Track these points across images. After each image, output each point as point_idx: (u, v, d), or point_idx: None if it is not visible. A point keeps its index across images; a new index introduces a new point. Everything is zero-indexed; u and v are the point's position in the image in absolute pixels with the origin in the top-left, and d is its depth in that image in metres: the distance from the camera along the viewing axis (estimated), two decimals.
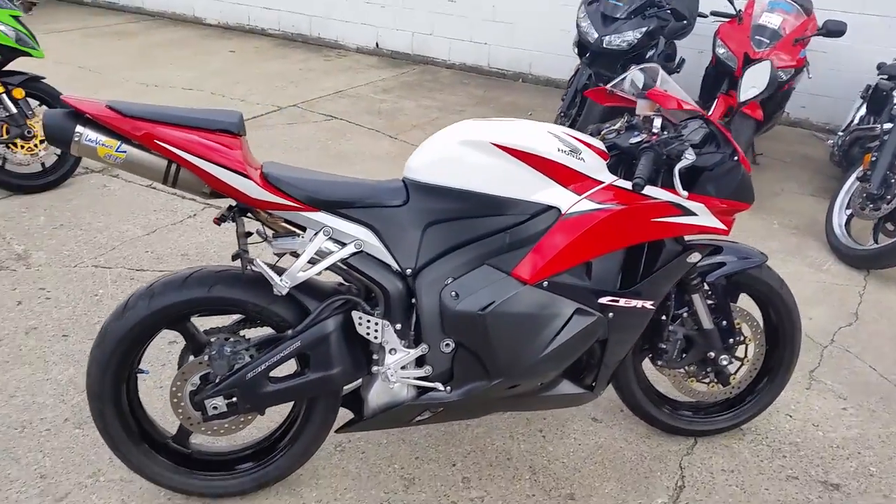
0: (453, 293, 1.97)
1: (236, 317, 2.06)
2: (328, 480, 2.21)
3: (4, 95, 3.89)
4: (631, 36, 4.93)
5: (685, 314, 2.30)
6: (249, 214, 1.95)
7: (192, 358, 1.99)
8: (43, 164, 4.14)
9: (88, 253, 3.47)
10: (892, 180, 3.75)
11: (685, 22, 5.24)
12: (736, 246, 2.35)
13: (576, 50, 5.34)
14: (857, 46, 5.68)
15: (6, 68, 3.97)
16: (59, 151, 4.09)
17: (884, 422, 2.63)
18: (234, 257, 1.94)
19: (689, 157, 1.98)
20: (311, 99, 6.26)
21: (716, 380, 2.39)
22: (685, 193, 1.97)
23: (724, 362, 2.32)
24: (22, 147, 3.99)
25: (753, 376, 2.47)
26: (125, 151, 1.77)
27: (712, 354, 2.31)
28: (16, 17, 3.96)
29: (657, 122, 2.07)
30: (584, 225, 1.98)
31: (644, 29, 4.92)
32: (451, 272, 1.98)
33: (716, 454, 2.43)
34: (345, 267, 1.94)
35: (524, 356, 2.01)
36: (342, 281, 2.05)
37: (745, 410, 2.48)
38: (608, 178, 2.03)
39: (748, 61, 4.40)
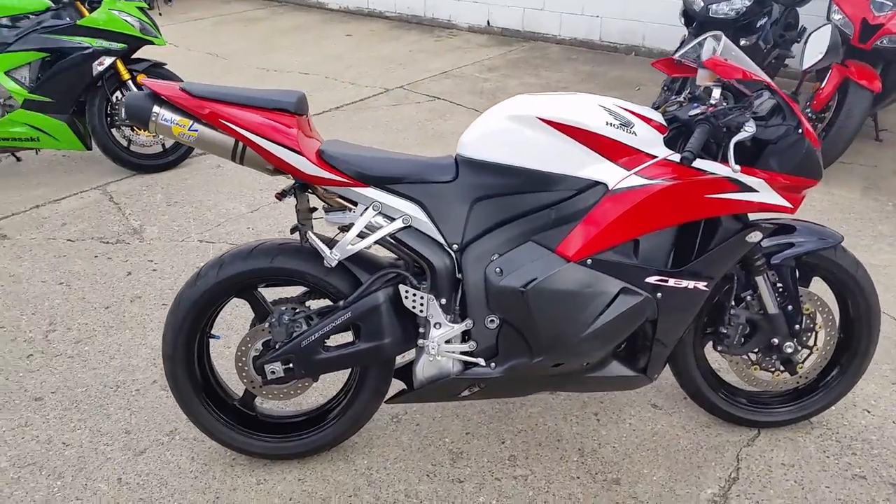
0: (498, 269, 2.00)
1: (303, 289, 2.19)
2: (380, 449, 2.33)
3: (130, 81, 4.25)
4: (739, 3, 4.70)
5: (749, 297, 2.21)
6: (310, 191, 2.07)
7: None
8: (163, 146, 4.52)
9: (196, 229, 3.77)
10: None
11: None
12: (808, 226, 2.22)
13: (682, 20, 5.15)
14: None
15: (133, 56, 4.34)
16: None
17: None
18: (293, 230, 2.07)
19: (749, 130, 1.89)
20: (418, 80, 6.39)
21: (782, 368, 2.28)
22: (737, 167, 1.88)
23: (790, 350, 2.22)
24: (144, 130, 4.35)
25: (824, 366, 2.33)
26: (197, 130, 1.93)
27: (777, 341, 2.21)
28: (141, 9, 4.32)
29: (716, 93, 1.99)
30: (630, 201, 1.95)
31: None
32: (496, 248, 2.02)
33: (778, 447, 2.33)
34: (393, 241, 2.02)
35: (567, 334, 2.02)
36: (397, 256, 2.13)
37: (813, 402, 2.35)
38: (662, 152, 1.97)
39: (867, 28, 4.07)
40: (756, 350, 2.27)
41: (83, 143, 4.26)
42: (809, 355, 2.29)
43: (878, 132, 4.91)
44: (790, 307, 2.20)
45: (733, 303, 2.22)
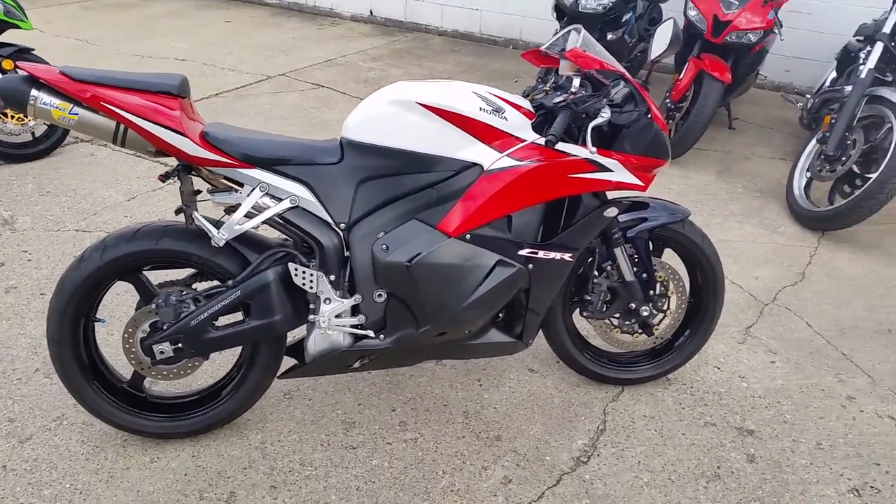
0: (384, 246, 2.12)
1: (190, 271, 2.23)
2: (274, 424, 2.40)
3: None
4: None
5: (609, 267, 2.44)
6: (194, 173, 2.11)
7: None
8: (33, 134, 4.33)
9: (71, 218, 3.66)
10: (849, 142, 3.83)
11: None
12: (660, 203, 2.47)
13: (554, 14, 5.42)
14: (843, 6, 5.68)
15: None
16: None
17: (807, 374, 2.77)
18: (178, 212, 2.11)
19: (604, 116, 2.10)
20: (301, 68, 6.38)
21: (640, 330, 2.53)
22: (594, 149, 2.08)
23: (645, 313, 2.47)
24: (12, 118, 4.16)
25: (677, 328, 2.61)
26: (77, 114, 1.92)
27: (634, 305, 2.46)
28: None
29: (576, 82, 2.19)
30: (502, 180, 2.11)
31: None
32: (382, 226, 2.13)
33: (640, 402, 2.58)
34: (281, 221, 2.10)
35: (449, 304, 2.17)
36: (285, 237, 2.21)
37: (668, 361, 2.63)
38: (531, 136, 2.15)
39: (718, 24, 4.47)
40: (617, 315, 2.51)
41: None
42: (663, 318, 2.55)
43: (731, 121, 5.38)
44: (645, 275, 2.45)
45: (596, 273, 2.45)
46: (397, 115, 2.09)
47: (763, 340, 2.96)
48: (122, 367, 2.33)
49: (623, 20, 5.19)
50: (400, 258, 2.11)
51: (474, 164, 2.13)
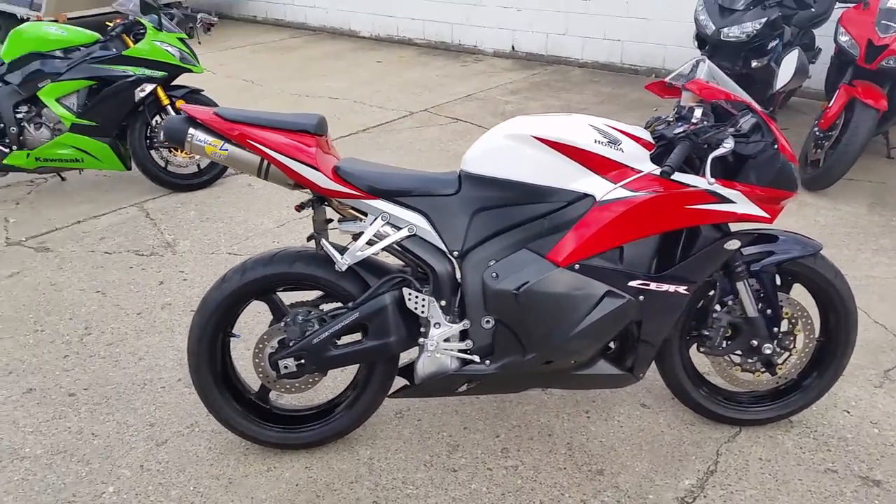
0: (494, 274, 2.18)
1: (319, 293, 2.39)
2: (383, 441, 2.50)
3: (169, 106, 4.56)
4: (750, 27, 4.83)
5: (731, 301, 2.34)
6: (326, 204, 2.28)
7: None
8: (199, 166, 4.81)
9: (226, 242, 4.03)
10: None
11: (812, 10, 5.03)
12: (790, 235, 2.35)
13: (695, 43, 5.30)
14: None
15: (173, 83, 4.65)
16: None
17: None
18: (309, 239, 2.29)
19: (727, 146, 2.05)
20: (442, 103, 6.63)
21: (762, 369, 2.40)
22: (712, 180, 2.03)
23: (769, 351, 2.34)
24: (181, 151, 4.66)
25: (803, 368, 2.44)
26: (227, 150, 2.16)
27: (756, 343, 2.34)
28: (181, 39, 4.63)
29: (697, 112, 2.15)
30: (614, 211, 2.12)
31: (764, 20, 4.80)
32: (493, 255, 2.20)
33: (757, 443, 2.44)
34: (399, 249, 2.22)
35: (556, 333, 2.19)
36: (405, 263, 2.32)
37: (792, 402, 2.47)
38: (648, 167, 2.14)
39: (872, 48, 4.18)
40: (738, 352, 2.40)
41: (124, 163, 4.58)
42: (789, 357, 2.41)
43: (889, 150, 4.98)
44: (769, 311, 2.33)
45: (716, 307, 2.36)
46: (513, 148, 2.15)
47: None
48: (252, 379, 2.53)
49: (769, 48, 4.96)
50: (509, 286, 2.16)
51: (587, 195, 2.14)
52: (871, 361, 2.85)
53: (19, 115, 4.33)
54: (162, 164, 4.67)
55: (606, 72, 7.59)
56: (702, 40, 5.20)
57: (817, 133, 4.41)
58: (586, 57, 7.78)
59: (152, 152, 4.62)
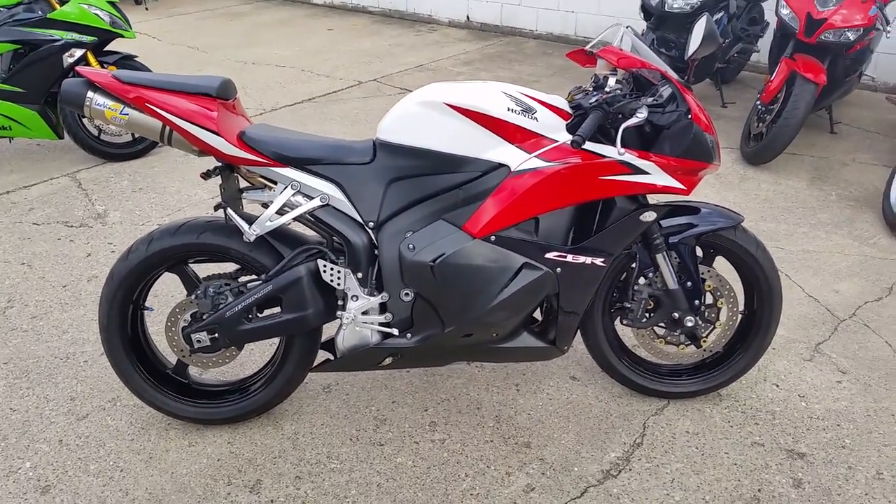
0: (410, 245, 2.13)
1: (236, 266, 2.32)
2: (308, 417, 2.46)
3: None
4: None
5: (651, 274, 2.33)
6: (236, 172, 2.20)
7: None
8: (133, 135, 4.65)
9: (157, 214, 3.91)
10: None
11: None
12: (712, 207, 2.34)
13: (641, 14, 5.27)
14: None
15: (105, 49, 4.47)
16: None
17: (876, 396, 2.55)
18: (216, 208, 2.20)
19: (640, 116, 2.00)
20: (392, 73, 6.52)
21: (686, 342, 2.41)
22: (622, 150, 1.99)
23: (691, 324, 2.34)
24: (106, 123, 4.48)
25: (728, 341, 2.46)
26: (127, 114, 2.06)
27: (678, 315, 2.34)
28: (111, 3, 4.44)
29: (611, 81, 2.12)
30: (528, 182, 2.07)
31: None
32: (410, 226, 2.15)
33: (685, 417, 2.46)
34: (313, 219, 2.15)
35: (473, 306, 2.15)
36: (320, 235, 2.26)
37: (718, 375, 2.48)
38: (563, 137, 2.09)
39: (811, 22, 4.19)
40: (661, 324, 2.40)
41: (55, 132, 4.40)
42: (713, 330, 2.41)
43: (832, 125, 5.04)
44: (690, 284, 2.33)
45: (638, 280, 2.35)
46: (426, 115, 2.09)
47: (832, 358, 2.75)
48: (170, 354, 2.46)
49: (716, 19, 4.96)
50: (425, 258, 2.11)
51: (501, 165, 2.10)
52: (803, 335, 2.88)
53: None
54: (95, 132, 4.50)
55: (560, 43, 7.54)
56: (647, 11, 5.18)
57: (760, 106, 4.43)
58: (541, 28, 7.71)
59: (84, 120, 4.45)
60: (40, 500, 2.13)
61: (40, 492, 2.16)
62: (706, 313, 2.38)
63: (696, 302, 2.34)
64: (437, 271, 2.11)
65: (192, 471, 2.24)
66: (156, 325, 2.76)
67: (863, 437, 2.36)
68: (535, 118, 2.09)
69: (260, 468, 2.25)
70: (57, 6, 4.22)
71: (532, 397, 2.55)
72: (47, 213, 3.88)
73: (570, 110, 2.15)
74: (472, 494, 2.15)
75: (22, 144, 4.81)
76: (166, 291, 3.06)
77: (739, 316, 2.45)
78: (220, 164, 2.17)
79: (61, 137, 4.46)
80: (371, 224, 2.15)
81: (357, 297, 2.18)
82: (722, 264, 2.37)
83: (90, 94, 2.04)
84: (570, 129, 2.11)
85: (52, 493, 2.15)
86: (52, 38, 4.18)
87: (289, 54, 7.17)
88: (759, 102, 4.46)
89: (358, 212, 2.15)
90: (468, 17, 8.23)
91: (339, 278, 2.16)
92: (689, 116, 2.10)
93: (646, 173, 2.11)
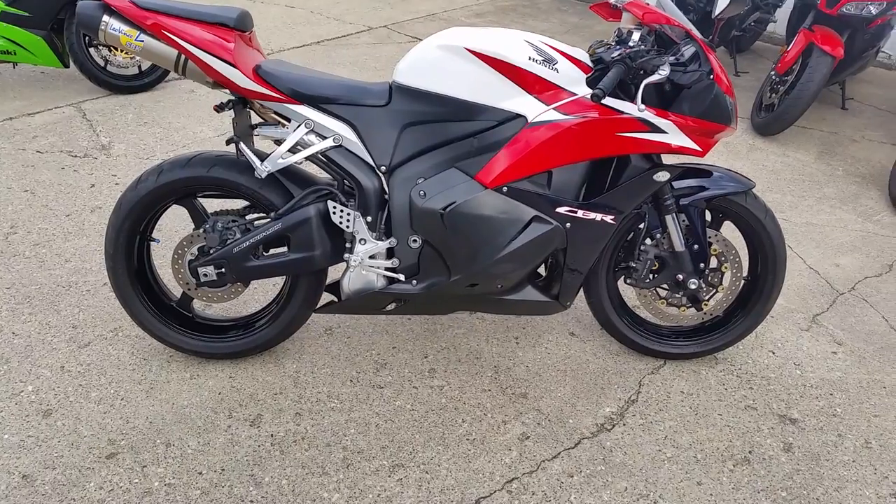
0: (422, 192, 2.12)
1: (244, 203, 2.32)
2: (310, 356, 2.48)
3: None
4: None
5: (658, 234, 2.34)
6: (249, 106, 2.17)
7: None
8: (140, 68, 4.60)
9: (162, 148, 3.88)
10: None
11: None
12: (724, 172, 2.33)
13: None
14: None
15: None
16: None
17: (870, 369, 2.58)
18: (228, 142, 2.18)
19: (662, 73, 1.98)
20: (403, 21, 6.42)
21: (688, 304, 2.43)
22: (643, 107, 1.97)
23: (694, 286, 2.36)
24: (121, 51, 4.43)
25: (728, 306, 2.48)
26: (143, 41, 2.02)
27: (682, 277, 2.35)
28: None
29: (635, 36, 2.08)
30: (544, 135, 2.06)
31: None
32: (422, 172, 2.14)
33: (680, 377, 2.49)
34: (324, 159, 2.14)
35: (480, 256, 2.16)
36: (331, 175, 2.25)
37: (716, 339, 2.51)
38: (582, 90, 2.07)
39: None
40: (664, 285, 2.41)
41: (61, 60, 4.33)
42: (715, 293, 2.43)
43: (844, 100, 5.00)
44: (697, 247, 2.33)
45: (645, 240, 2.35)
46: (445, 59, 2.06)
47: (829, 329, 2.78)
48: (175, 287, 2.47)
49: None
50: (435, 205, 2.11)
51: (518, 116, 2.08)
52: (801, 305, 2.91)
53: None
54: (101, 63, 4.43)
55: (575, 1, 7.42)
56: None
57: (774, 77, 4.39)
58: None
59: (91, 50, 4.38)
60: (42, 422, 2.16)
61: (42, 415, 2.18)
62: (710, 277, 2.39)
63: (702, 265, 2.35)
64: (446, 219, 2.11)
65: (193, 402, 2.27)
66: (160, 259, 2.76)
67: (854, 407, 2.40)
68: (556, 69, 2.07)
69: (261, 403, 2.28)
70: None
71: (531, 350, 2.58)
72: (51, 142, 3.85)
73: (590, 64, 2.12)
74: (468, 439, 2.19)
75: (26, 71, 4.74)
76: (171, 226, 3.06)
77: (742, 282, 2.47)
78: (233, 97, 2.15)
79: (67, 66, 4.39)
80: (383, 168, 2.14)
81: (365, 240, 2.18)
82: (727, 229, 2.38)
83: (106, 17, 2.00)
84: (591, 83, 2.09)
85: (54, 416, 2.18)
86: None
87: None
88: (773, 73, 4.42)
89: (371, 155, 2.13)
90: None
91: (348, 221, 2.16)
92: (711, 77, 2.08)
93: (663, 132, 2.09)
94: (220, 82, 2.06)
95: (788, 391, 2.46)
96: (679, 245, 2.32)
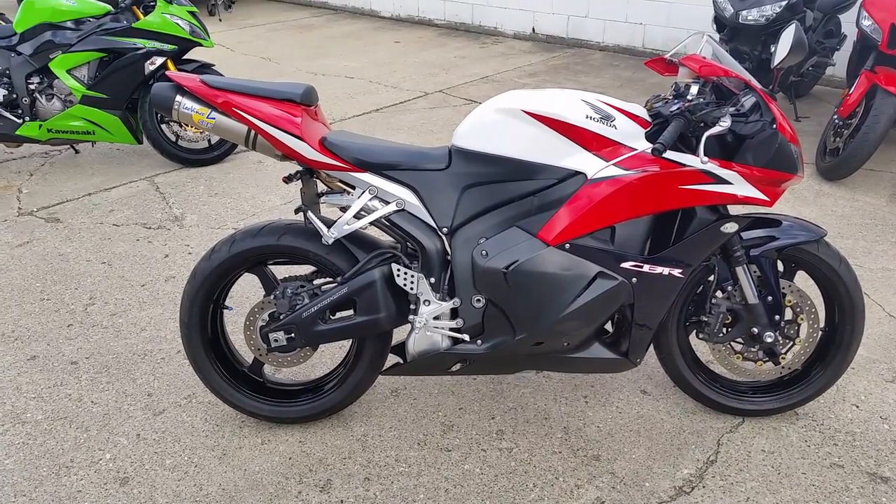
0: (484, 252, 2.14)
1: (313, 268, 2.37)
2: (377, 419, 2.48)
3: None
4: (769, 10, 4.73)
5: (730, 287, 2.28)
6: (316, 177, 2.25)
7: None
8: (209, 142, 4.81)
9: (232, 218, 4.02)
10: None
11: None
12: (794, 221, 2.28)
13: (714, 26, 5.19)
14: None
15: (184, 57, 4.64)
16: None
17: None
18: (297, 211, 2.25)
19: (723, 124, 1.97)
20: (457, 84, 6.57)
21: (765, 358, 2.35)
22: (706, 159, 1.97)
23: (770, 340, 2.28)
24: (192, 126, 4.64)
25: (807, 358, 2.38)
26: (214, 118, 2.13)
27: (757, 330, 2.28)
28: (192, 13, 4.61)
29: (693, 89, 2.09)
30: (606, 190, 2.06)
31: (784, 2, 4.71)
32: (483, 232, 2.16)
33: (760, 435, 2.39)
34: (388, 224, 2.19)
35: (545, 314, 2.14)
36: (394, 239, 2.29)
37: (796, 393, 2.41)
38: (642, 145, 2.08)
39: None
40: (739, 339, 2.34)
41: (135, 137, 4.57)
42: (792, 346, 2.35)
43: None
44: (770, 298, 2.27)
45: (716, 292, 2.30)
46: (503, 122, 2.10)
47: None
48: (246, 353, 2.52)
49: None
50: (498, 264, 2.12)
51: (578, 173, 2.09)
52: (884, 355, 2.78)
53: (31, 86, 4.34)
54: (172, 138, 4.66)
55: (627, 56, 7.48)
56: (721, 24, 5.10)
57: (837, 121, 4.31)
58: (607, 40, 7.66)
59: (163, 126, 4.61)
60: (119, 491, 2.20)
61: (119, 483, 2.23)
62: (786, 329, 2.31)
63: (776, 317, 2.28)
64: (509, 278, 2.11)
65: (265, 468, 2.28)
66: (231, 325, 2.83)
67: None
68: (614, 126, 2.08)
69: (330, 468, 2.28)
70: (141, 16, 4.40)
71: (601, 409, 2.52)
72: (127, 215, 4.03)
73: (648, 118, 2.13)
74: None
75: (103, 149, 5.01)
76: (241, 293, 3.14)
77: (820, 333, 2.38)
78: (301, 168, 2.23)
79: (140, 142, 4.63)
80: (445, 229, 2.17)
81: (429, 301, 2.19)
82: (800, 278, 2.30)
83: (178, 97, 2.11)
84: (650, 137, 2.09)
85: (131, 484, 2.22)
86: (136, 47, 4.35)
87: (356, 66, 7.30)
88: (836, 116, 4.34)
89: (432, 217, 2.17)
90: (534, 30, 8.24)
91: (412, 283, 2.18)
92: (775, 126, 2.06)
93: (728, 183, 2.07)
94: (288, 155, 2.14)
95: (877, 447, 2.33)
96: (752, 297, 2.25)
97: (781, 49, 2.16)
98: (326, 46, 8.17)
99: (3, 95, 4.32)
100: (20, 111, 4.36)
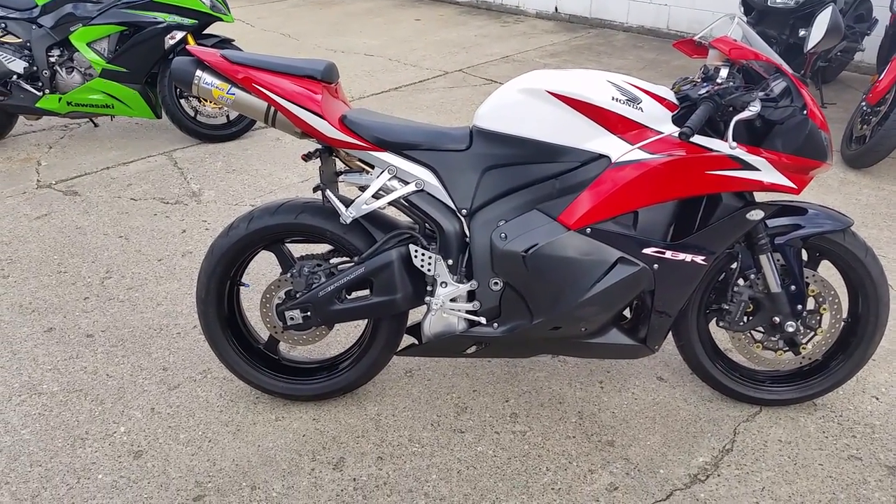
0: (503, 234, 2.11)
1: (330, 247, 2.36)
2: (391, 399, 2.48)
3: None
4: None
5: (753, 275, 2.24)
6: (335, 155, 2.23)
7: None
8: (228, 117, 4.79)
9: (250, 195, 4.01)
10: None
11: None
12: (820, 209, 2.23)
13: (741, 9, 5.09)
14: None
15: (204, 32, 4.61)
16: None
17: None
18: (315, 190, 2.24)
19: (753, 109, 1.92)
20: (477, 64, 6.50)
21: (785, 347, 2.31)
22: (734, 144, 1.92)
23: (791, 329, 2.24)
24: (210, 102, 4.63)
25: (828, 349, 2.35)
26: (234, 94, 2.11)
27: (778, 320, 2.24)
28: None
29: (723, 72, 2.05)
30: (630, 174, 2.02)
31: None
32: (503, 215, 2.13)
33: (777, 424, 2.36)
34: (407, 204, 2.16)
35: (564, 298, 2.12)
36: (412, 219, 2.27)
37: (814, 384, 2.37)
38: (668, 129, 2.03)
39: None
40: (759, 328, 2.31)
41: (154, 111, 4.57)
42: (813, 336, 2.31)
43: None
44: (794, 287, 2.22)
45: (738, 280, 2.26)
46: (526, 103, 2.06)
47: None
48: (262, 330, 2.52)
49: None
50: (517, 247, 2.09)
51: (602, 156, 2.05)
52: None
53: (52, 59, 4.34)
54: (191, 113, 4.66)
55: (651, 37, 7.37)
56: (748, 6, 4.99)
57: (865, 108, 4.22)
58: (631, 21, 7.55)
59: (182, 101, 4.60)
60: (133, 463, 2.21)
61: (133, 456, 2.24)
62: (808, 319, 2.27)
63: (799, 307, 2.24)
64: (528, 261, 2.09)
65: (279, 445, 2.29)
66: (247, 302, 2.83)
67: None
68: (640, 108, 2.03)
69: (343, 446, 2.28)
70: None
71: (616, 395, 2.50)
72: (144, 190, 4.04)
73: (676, 101, 2.08)
74: (553, 489, 2.12)
75: (122, 123, 5.02)
76: (257, 270, 3.14)
77: (842, 323, 2.33)
78: (320, 146, 2.20)
79: (159, 117, 4.63)
80: (464, 211, 2.14)
81: (446, 283, 2.17)
82: (824, 268, 2.26)
83: (199, 72, 2.09)
84: (677, 120, 2.05)
85: (145, 458, 2.23)
86: (156, 21, 4.33)
87: (376, 43, 7.25)
88: (864, 103, 4.25)
89: (451, 198, 2.14)
90: (556, 9, 8.13)
91: (429, 264, 2.16)
92: (805, 112, 2.00)
93: (756, 169, 2.02)
94: (307, 132, 2.12)
95: None
96: (775, 286, 2.21)
97: (816, 32, 2.11)
98: (346, 23, 8.11)
99: (24, 68, 4.33)
100: (40, 83, 4.37)
